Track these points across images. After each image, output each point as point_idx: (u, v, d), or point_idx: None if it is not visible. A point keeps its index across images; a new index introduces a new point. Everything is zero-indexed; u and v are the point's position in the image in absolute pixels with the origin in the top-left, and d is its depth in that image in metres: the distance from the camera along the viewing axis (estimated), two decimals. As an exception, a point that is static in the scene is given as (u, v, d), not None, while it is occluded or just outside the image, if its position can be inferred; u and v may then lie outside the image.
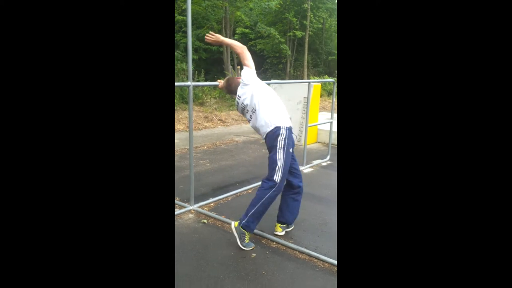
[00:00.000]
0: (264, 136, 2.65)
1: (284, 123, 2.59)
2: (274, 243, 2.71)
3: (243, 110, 2.75)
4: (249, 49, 2.84)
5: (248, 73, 2.66)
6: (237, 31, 14.94)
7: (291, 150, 2.62)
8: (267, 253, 2.56)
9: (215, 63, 14.74)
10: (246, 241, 2.60)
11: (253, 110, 2.65)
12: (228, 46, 2.81)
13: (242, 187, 3.89)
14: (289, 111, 3.23)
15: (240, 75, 2.70)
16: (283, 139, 2.56)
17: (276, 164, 2.55)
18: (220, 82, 2.97)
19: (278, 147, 2.55)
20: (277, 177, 2.55)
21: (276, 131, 2.56)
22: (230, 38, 14.02)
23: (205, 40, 2.84)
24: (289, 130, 2.61)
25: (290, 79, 15.23)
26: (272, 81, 5.71)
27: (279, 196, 2.69)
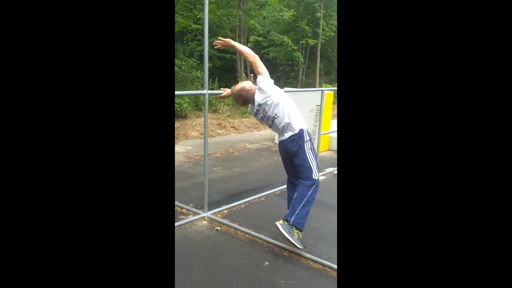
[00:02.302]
0: (288, 137, 2.72)
1: (306, 126, 2.76)
2: (287, 251, 2.71)
3: (263, 118, 2.79)
4: (262, 57, 2.89)
5: (266, 81, 2.69)
6: (250, 39, 15.04)
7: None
8: (280, 262, 2.56)
9: (228, 71, 14.84)
10: (296, 237, 2.62)
11: (275, 116, 2.71)
12: (240, 52, 2.88)
13: (255, 195, 3.90)
14: (303, 119, 3.27)
15: (256, 83, 2.73)
16: (309, 140, 2.73)
17: (309, 164, 2.70)
18: (225, 91, 3.01)
19: (307, 148, 2.71)
20: (315, 175, 2.71)
21: (301, 133, 2.70)
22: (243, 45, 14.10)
23: (214, 47, 2.87)
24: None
25: (302, 86, 15.25)
26: (286, 89, 5.74)
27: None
